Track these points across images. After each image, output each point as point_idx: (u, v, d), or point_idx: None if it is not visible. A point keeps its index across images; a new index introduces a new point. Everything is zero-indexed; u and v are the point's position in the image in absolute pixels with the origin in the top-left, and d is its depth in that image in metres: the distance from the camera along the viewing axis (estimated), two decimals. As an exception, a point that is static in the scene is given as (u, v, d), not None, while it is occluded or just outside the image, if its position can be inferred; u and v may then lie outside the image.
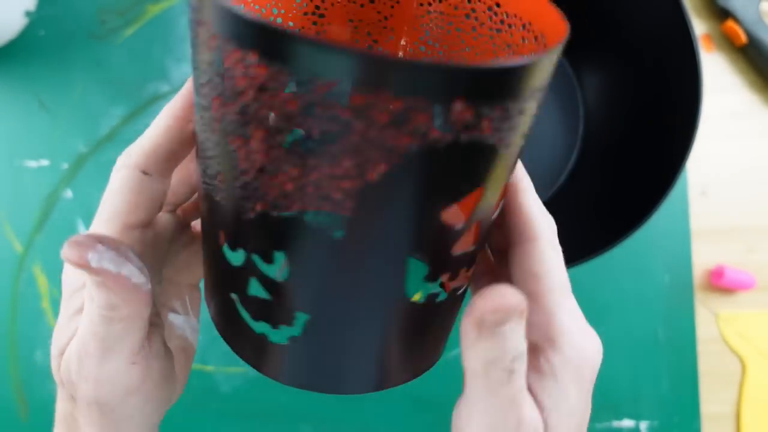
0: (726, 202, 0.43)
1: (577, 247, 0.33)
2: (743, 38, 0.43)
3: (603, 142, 0.40)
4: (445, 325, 0.18)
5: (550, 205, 0.41)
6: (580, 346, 0.14)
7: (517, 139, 0.14)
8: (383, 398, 0.40)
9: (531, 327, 0.14)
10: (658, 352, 0.41)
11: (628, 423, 0.40)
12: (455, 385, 0.40)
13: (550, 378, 0.14)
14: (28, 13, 0.41)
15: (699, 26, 0.45)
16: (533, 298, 0.14)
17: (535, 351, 0.14)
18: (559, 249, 0.15)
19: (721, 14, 0.44)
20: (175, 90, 0.42)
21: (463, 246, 0.14)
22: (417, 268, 0.18)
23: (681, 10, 0.34)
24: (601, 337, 0.41)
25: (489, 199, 0.15)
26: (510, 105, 0.13)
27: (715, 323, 0.42)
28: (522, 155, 0.15)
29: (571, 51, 0.42)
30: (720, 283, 0.41)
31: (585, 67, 0.42)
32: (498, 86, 0.12)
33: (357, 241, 0.14)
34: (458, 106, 0.12)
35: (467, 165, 0.13)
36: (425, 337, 0.17)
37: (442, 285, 0.16)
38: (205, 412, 0.40)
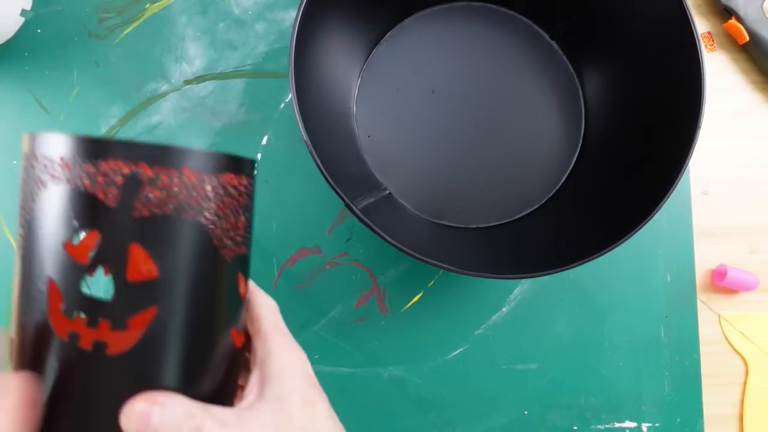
0: (728, 202, 0.43)
1: (579, 247, 0.33)
2: (745, 37, 0.43)
3: (604, 141, 0.40)
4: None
5: (551, 205, 0.41)
6: (287, 353, 0.22)
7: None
8: (383, 398, 0.40)
9: (258, 351, 0.22)
10: (661, 352, 0.41)
11: (630, 424, 0.40)
12: (455, 385, 0.40)
13: (273, 377, 0.21)
14: (24, 12, 0.41)
15: (701, 25, 0.45)
16: (259, 334, 0.23)
17: (262, 365, 0.22)
18: (274, 308, 0.24)
19: (723, 13, 0.44)
20: (175, 89, 0.42)
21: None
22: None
23: (683, 8, 0.34)
24: (602, 338, 0.41)
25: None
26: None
27: (717, 324, 0.42)
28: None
29: (572, 50, 0.42)
30: (722, 283, 0.41)
31: (586, 67, 0.42)
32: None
33: None
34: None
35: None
36: None
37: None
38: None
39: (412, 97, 0.41)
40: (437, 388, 0.40)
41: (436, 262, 0.30)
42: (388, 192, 0.39)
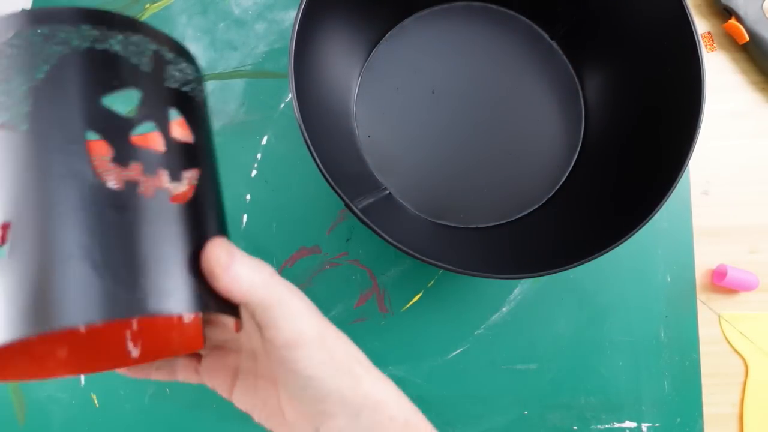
0: (728, 202, 0.43)
1: (579, 247, 0.33)
2: (745, 37, 0.43)
3: (604, 141, 0.40)
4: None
5: (551, 205, 0.41)
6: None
7: None
8: (383, 399, 0.40)
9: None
10: (660, 352, 0.41)
11: (629, 424, 0.40)
12: (455, 385, 0.40)
13: None
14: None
15: (701, 25, 0.45)
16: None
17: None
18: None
19: (723, 13, 0.44)
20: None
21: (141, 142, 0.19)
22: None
23: (683, 8, 0.34)
24: (602, 338, 0.41)
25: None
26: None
27: (717, 324, 0.42)
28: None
29: (572, 50, 0.42)
30: (722, 283, 0.41)
31: (586, 67, 0.42)
32: None
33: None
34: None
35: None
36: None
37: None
38: (205, 412, 0.39)
39: (412, 97, 0.41)
40: (437, 388, 0.40)
41: (436, 262, 0.30)
42: (388, 192, 0.39)
